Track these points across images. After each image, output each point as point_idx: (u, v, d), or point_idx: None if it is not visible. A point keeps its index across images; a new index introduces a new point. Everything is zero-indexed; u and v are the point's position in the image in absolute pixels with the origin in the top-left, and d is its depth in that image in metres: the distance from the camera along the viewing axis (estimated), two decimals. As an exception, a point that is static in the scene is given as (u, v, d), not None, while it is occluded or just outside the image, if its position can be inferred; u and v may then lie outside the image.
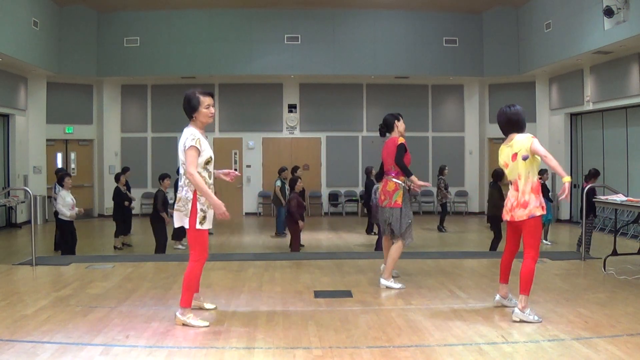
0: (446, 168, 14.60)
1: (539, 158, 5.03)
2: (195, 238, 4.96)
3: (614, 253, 7.56)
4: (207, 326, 4.85)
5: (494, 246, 9.96)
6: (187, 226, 4.94)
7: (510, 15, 16.20)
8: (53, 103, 15.99)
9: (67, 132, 16.82)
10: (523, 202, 5.05)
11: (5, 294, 6.09)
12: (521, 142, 5.09)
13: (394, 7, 16.14)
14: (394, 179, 6.35)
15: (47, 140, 15.98)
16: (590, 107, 14.12)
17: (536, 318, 4.96)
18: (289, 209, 10.58)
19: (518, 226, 5.19)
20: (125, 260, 8.30)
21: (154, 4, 15.88)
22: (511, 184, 5.23)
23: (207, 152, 4.94)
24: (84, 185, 16.92)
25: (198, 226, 4.88)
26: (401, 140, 6.36)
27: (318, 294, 6.09)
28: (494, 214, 9.92)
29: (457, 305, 5.60)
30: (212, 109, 4.99)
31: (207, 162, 4.94)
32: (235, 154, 17.83)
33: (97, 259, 8.71)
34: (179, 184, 5.02)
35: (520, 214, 5.06)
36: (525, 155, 5.05)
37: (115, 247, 11.44)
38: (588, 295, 5.95)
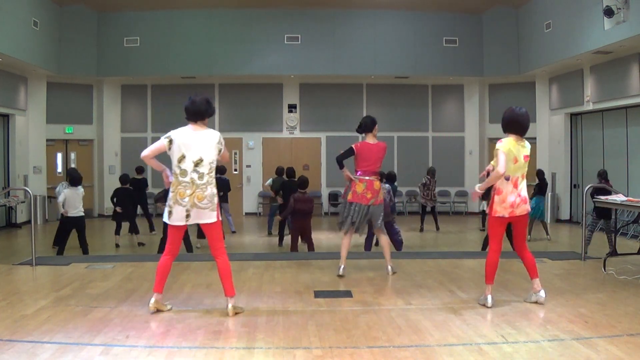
0: (435, 173, 14.47)
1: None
2: (168, 230, 5.38)
3: (614, 253, 7.57)
4: (170, 309, 5.36)
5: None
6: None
7: (510, 15, 16.20)
8: (53, 103, 15.99)
9: (67, 132, 16.81)
10: (524, 198, 5.54)
11: (5, 294, 6.09)
12: (529, 146, 5.65)
13: (394, 7, 16.13)
14: (378, 180, 7.10)
15: (47, 140, 15.97)
16: (590, 107, 14.11)
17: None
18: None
19: (513, 221, 5.61)
20: (125, 260, 8.30)
21: (154, 4, 15.88)
22: (508, 180, 5.45)
23: (179, 152, 5.19)
24: (84, 185, 16.82)
25: (164, 218, 5.32)
26: (354, 144, 7.02)
27: (318, 294, 6.10)
28: None
29: (457, 306, 5.60)
30: None
31: (180, 160, 5.20)
32: (236, 154, 17.82)
33: (97, 259, 8.71)
34: None
35: (524, 208, 5.54)
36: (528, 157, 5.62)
37: (138, 244, 11.65)
38: (588, 295, 5.95)
